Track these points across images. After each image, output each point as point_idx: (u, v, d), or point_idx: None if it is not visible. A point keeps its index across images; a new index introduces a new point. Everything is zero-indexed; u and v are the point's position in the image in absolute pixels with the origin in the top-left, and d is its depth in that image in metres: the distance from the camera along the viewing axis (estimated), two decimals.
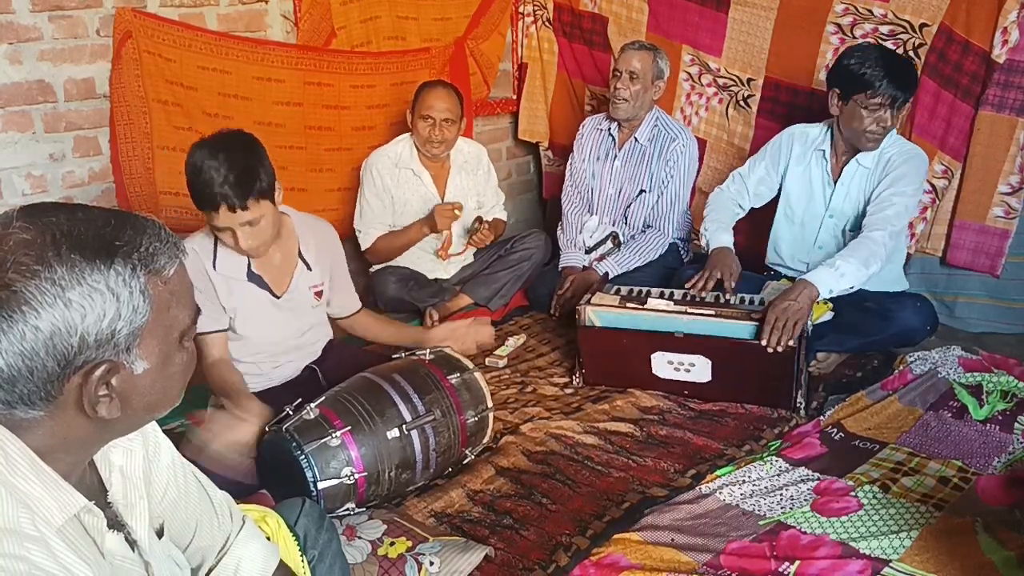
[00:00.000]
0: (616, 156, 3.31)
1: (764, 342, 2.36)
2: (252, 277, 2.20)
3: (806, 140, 2.83)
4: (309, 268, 2.29)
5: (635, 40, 3.24)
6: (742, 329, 2.43)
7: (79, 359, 0.82)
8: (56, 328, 0.80)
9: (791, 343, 2.35)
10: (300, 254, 2.28)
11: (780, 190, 2.92)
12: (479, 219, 3.23)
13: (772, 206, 2.97)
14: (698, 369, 2.53)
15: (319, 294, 2.33)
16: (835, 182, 2.77)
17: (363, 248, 3.24)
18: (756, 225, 3.07)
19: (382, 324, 2.56)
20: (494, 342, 2.71)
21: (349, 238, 3.35)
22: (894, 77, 2.52)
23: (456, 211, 3.12)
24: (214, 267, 2.17)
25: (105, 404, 0.86)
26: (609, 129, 3.34)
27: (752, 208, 2.98)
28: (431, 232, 3.18)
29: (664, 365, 2.56)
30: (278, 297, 2.24)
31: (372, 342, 2.61)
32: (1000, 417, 2.38)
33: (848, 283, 2.49)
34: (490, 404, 2.23)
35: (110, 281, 0.82)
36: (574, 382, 2.74)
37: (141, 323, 0.85)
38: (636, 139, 3.24)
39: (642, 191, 3.27)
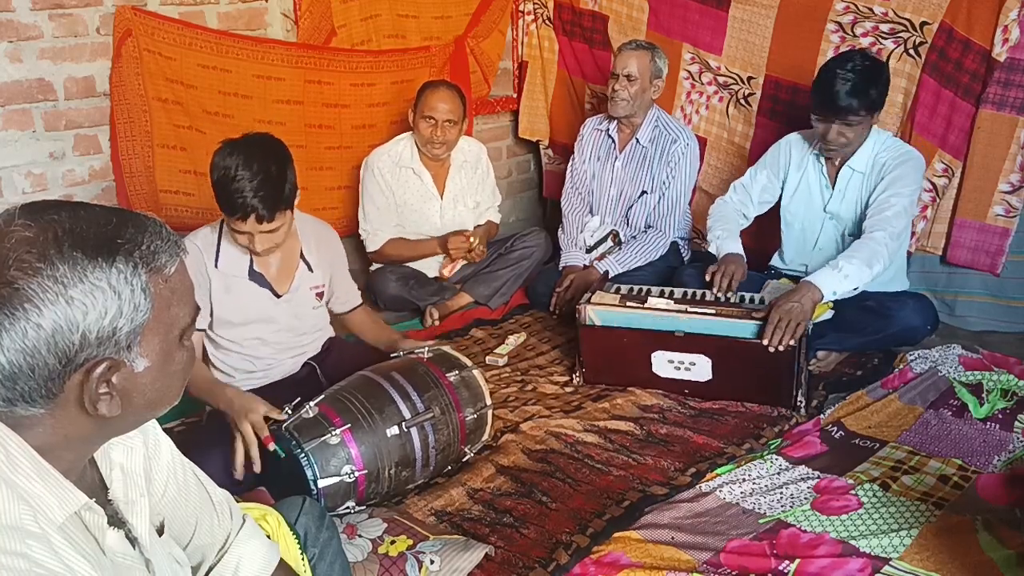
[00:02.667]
0: (617, 158, 3.31)
1: (766, 342, 2.36)
2: (254, 276, 2.21)
3: (803, 146, 2.85)
4: (311, 269, 2.30)
5: (631, 40, 3.22)
6: (743, 328, 2.43)
7: (80, 357, 0.82)
8: (58, 325, 0.80)
9: (792, 342, 2.36)
10: (302, 255, 2.28)
11: (781, 196, 2.93)
12: (475, 229, 3.25)
13: (775, 211, 2.98)
14: (698, 368, 2.53)
15: (320, 295, 2.34)
16: (832, 185, 2.77)
17: (369, 250, 3.24)
18: (758, 227, 3.07)
19: (370, 323, 2.54)
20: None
21: (349, 237, 3.35)
22: (824, 100, 2.55)
23: (470, 239, 3.16)
24: (216, 264, 2.17)
25: (106, 402, 0.85)
26: (608, 130, 3.33)
27: (757, 215, 3.00)
28: (443, 254, 3.21)
29: (664, 364, 2.56)
30: (279, 296, 2.25)
31: (360, 339, 2.60)
32: (1000, 416, 2.38)
33: (852, 284, 2.49)
34: (489, 402, 2.23)
35: (112, 279, 0.82)
36: (574, 380, 2.74)
37: (142, 321, 0.85)
38: (638, 140, 3.24)
39: (643, 192, 3.26)
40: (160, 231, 0.88)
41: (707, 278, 2.70)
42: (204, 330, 2.23)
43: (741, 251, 2.78)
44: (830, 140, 2.62)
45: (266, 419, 1.97)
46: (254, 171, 1.97)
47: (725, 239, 2.82)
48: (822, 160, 2.79)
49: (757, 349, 2.39)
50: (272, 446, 1.94)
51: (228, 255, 2.18)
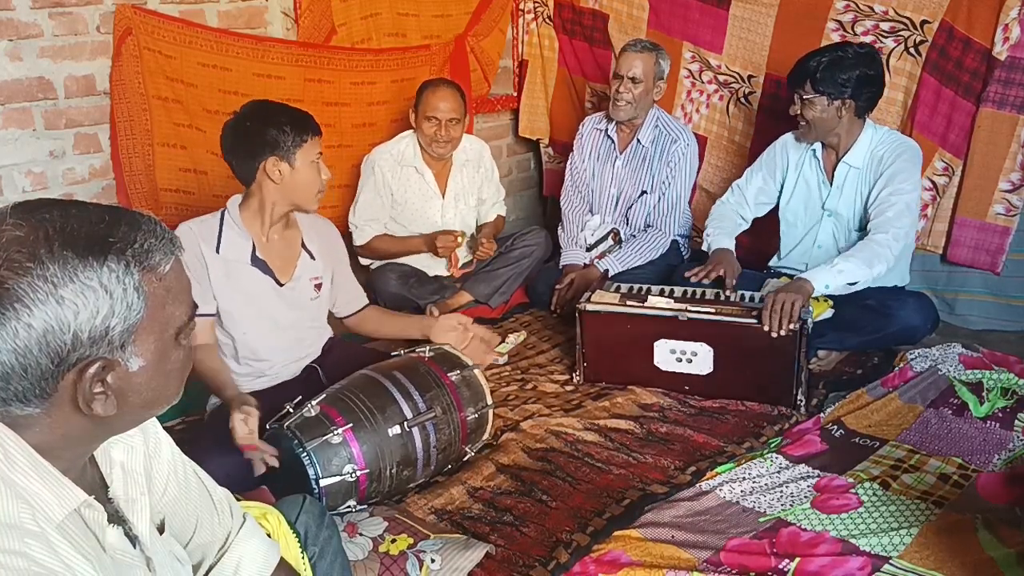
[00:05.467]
0: (618, 158, 3.30)
1: (766, 327, 2.38)
2: (256, 262, 2.19)
3: (798, 145, 2.86)
4: (312, 258, 2.30)
5: (635, 40, 3.20)
6: (743, 322, 2.45)
7: (73, 356, 0.82)
8: (49, 325, 0.79)
9: (792, 326, 2.37)
10: (304, 244, 2.29)
11: (780, 195, 2.94)
12: (473, 237, 3.25)
13: (774, 211, 2.98)
14: (700, 359, 2.53)
15: (319, 286, 2.33)
16: (830, 182, 2.78)
17: (356, 243, 3.23)
18: (757, 226, 3.07)
19: (385, 318, 2.55)
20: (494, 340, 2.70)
21: (348, 235, 3.36)
22: (794, 68, 2.68)
23: (458, 239, 3.15)
24: (217, 251, 2.15)
25: (100, 401, 0.85)
26: (607, 130, 3.32)
27: (755, 217, 3.02)
28: (430, 252, 3.21)
29: (666, 355, 2.56)
30: (282, 284, 2.24)
31: (377, 339, 2.60)
32: (1000, 414, 2.38)
33: (846, 279, 2.50)
34: (490, 401, 2.24)
35: (103, 278, 0.81)
36: (574, 379, 2.74)
37: (135, 320, 0.85)
38: (639, 141, 3.23)
39: (643, 192, 3.26)
40: (154, 229, 0.88)
41: (686, 275, 2.73)
42: (213, 315, 2.18)
43: (731, 247, 2.81)
44: (791, 112, 2.70)
45: (264, 422, 1.97)
46: (278, 105, 2.14)
47: (717, 236, 2.86)
48: (819, 157, 2.79)
49: (758, 335, 2.41)
50: (273, 461, 1.94)
51: (230, 241, 2.17)
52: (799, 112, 2.68)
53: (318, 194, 2.19)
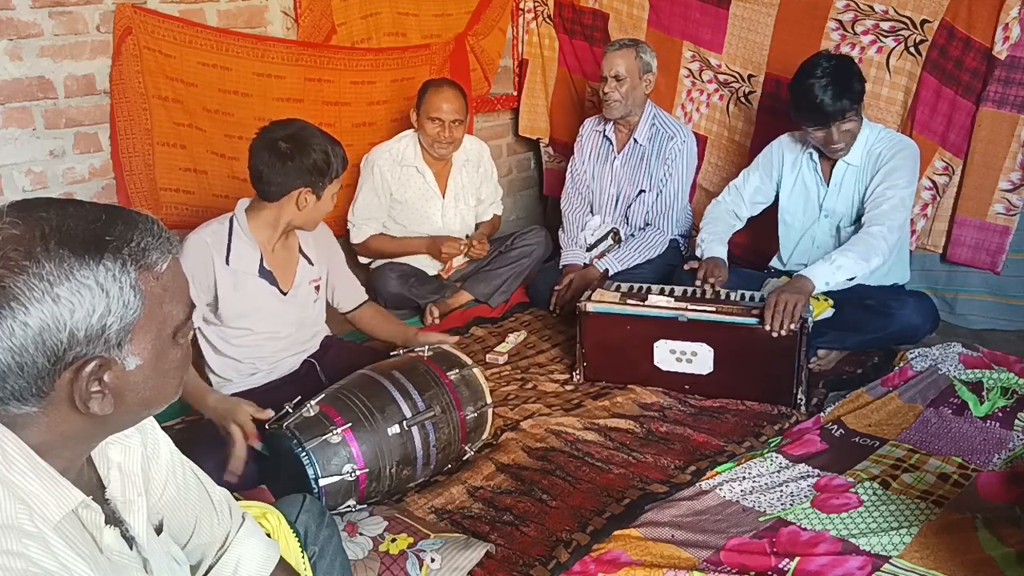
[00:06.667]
0: (616, 158, 3.30)
1: (768, 327, 2.38)
2: (263, 273, 2.21)
3: (795, 146, 2.86)
4: (310, 263, 2.31)
5: (615, 40, 3.21)
6: (743, 323, 2.45)
7: (69, 355, 0.82)
8: (45, 324, 0.79)
9: (792, 326, 2.37)
10: (301, 250, 2.30)
11: (777, 197, 2.93)
12: (468, 238, 3.26)
13: (773, 211, 2.98)
14: (700, 359, 2.53)
15: (317, 288, 2.35)
16: (827, 182, 2.78)
17: (353, 242, 3.24)
18: (757, 227, 3.07)
19: (381, 319, 2.57)
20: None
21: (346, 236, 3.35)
22: (813, 111, 2.55)
23: (462, 246, 3.16)
24: (227, 261, 2.16)
25: (97, 400, 0.85)
26: (604, 131, 3.32)
27: (750, 216, 3.01)
28: (431, 255, 3.22)
29: (666, 355, 2.56)
30: (285, 293, 2.25)
31: (372, 337, 2.61)
32: (1000, 414, 2.38)
33: (845, 275, 2.50)
34: (489, 400, 2.24)
35: (99, 276, 0.81)
36: (574, 378, 2.74)
37: (132, 319, 0.85)
38: (636, 140, 3.23)
39: (641, 191, 3.26)
40: (152, 228, 0.87)
41: (686, 268, 2.75)
42: (198, 328, 2.21)
43: (724, 255, 2.81)
44: (836, 141, 2.61)
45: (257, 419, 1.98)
46: (323, 135, 2.15)
47: (711, 243, 2.85)
48: (816, 158, 2.79)
49: (759, 335, 2.41)
50: (258, 445, 1.94)
51: (239, 251, 2.18)
52: (834, 140, 2.61)
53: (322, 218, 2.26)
